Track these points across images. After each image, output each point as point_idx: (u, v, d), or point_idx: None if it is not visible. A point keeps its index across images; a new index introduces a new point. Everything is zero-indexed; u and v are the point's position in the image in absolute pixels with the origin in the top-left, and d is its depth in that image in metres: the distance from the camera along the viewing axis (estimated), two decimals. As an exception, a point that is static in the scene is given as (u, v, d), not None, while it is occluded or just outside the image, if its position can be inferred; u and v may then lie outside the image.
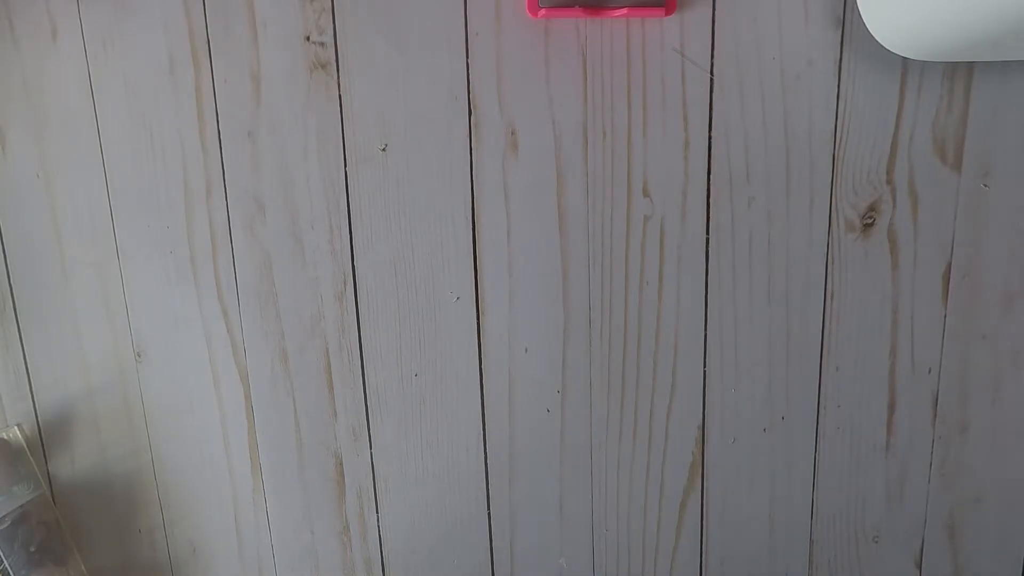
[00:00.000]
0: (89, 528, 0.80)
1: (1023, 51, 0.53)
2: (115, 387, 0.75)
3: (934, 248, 0.63)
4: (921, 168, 0.62)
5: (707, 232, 0.65)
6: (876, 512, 0.69)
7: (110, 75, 0.68)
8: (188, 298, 0.72)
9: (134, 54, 0.67)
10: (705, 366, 0.67)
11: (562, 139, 0.64)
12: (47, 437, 0.78)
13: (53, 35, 0.68)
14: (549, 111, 0.63)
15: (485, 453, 0.71)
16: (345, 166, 0.66)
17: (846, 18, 0.60)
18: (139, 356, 0.74)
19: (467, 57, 0.63)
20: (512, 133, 0.64)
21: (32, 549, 0.74)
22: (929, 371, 0.66)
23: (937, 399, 0.66)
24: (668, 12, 0.60)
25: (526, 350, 0.68)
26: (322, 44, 0.64)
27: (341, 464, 0.73)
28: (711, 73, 0.62)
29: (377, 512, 0.74)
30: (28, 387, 0.77)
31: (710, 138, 0.63)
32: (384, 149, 0.66)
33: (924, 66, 0.60)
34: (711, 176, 0.63)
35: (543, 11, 0.60)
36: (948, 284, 0.64)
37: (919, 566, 0.71)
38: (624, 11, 0.59)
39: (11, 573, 0.73)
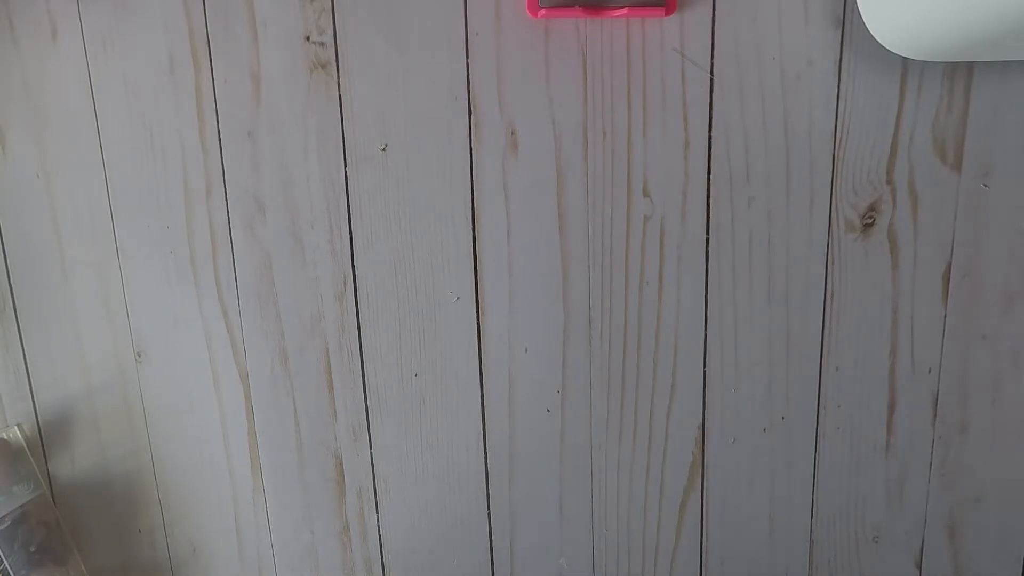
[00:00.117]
0: (89, 528, 0.80)
1: (1023, 51, 0.53)
2: (115, 387, 0.75)
3: (934, 248, 0.63)
4: (921, 168, 0.62)
5: (707, 232, 0.65)
6: (876, 512, 0.69)
7: (110, 75, 0.68)
8: (188, 298, 0.72)
9: (134, 54, 0.67)
10: (705, 366, 0.67)
11: (562, 139, 0.64)
12: (47, 437, 0.78)
13: (53, 35, 0.68)
14: (549, 111, 0.63)
15: (485, 453, 0.71)
16: (345, 166, 0.66)
17: (846, 18, 0.60)
18: (139, 356, 0.74)
19: (467, 57, 0.63)
20: (512, 133, 0.64)
21: (32, 549, 0.74)
22: (929, 371, 0.66)
23: (937, 399, 0.66)
24: (668, 12, 0.60)
25: (526, 350, 0.68)
26: (322, 44, 0.64)
27: (341, 464, 0.73)
28: (711, 73, 0.62)
29: (377, 512, 0.74)
30: (28, 387, 0.77)
31: (710, 138, 0.63)
32: (384, 149, 0.66)
33: (924, 66, 0.60)
34: (711, 176, 0.64)
35: (543, 11, 0.60)
36: (948, 284, 0.64)
37: (919, 566, 0.71)
38: (624, 11, 0.59)
39: (11, 573, 0.73)
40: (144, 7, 0.66)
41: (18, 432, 0.77)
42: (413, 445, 0.72)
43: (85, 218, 0.71)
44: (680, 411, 0.69)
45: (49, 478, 0.79)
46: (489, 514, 0.73)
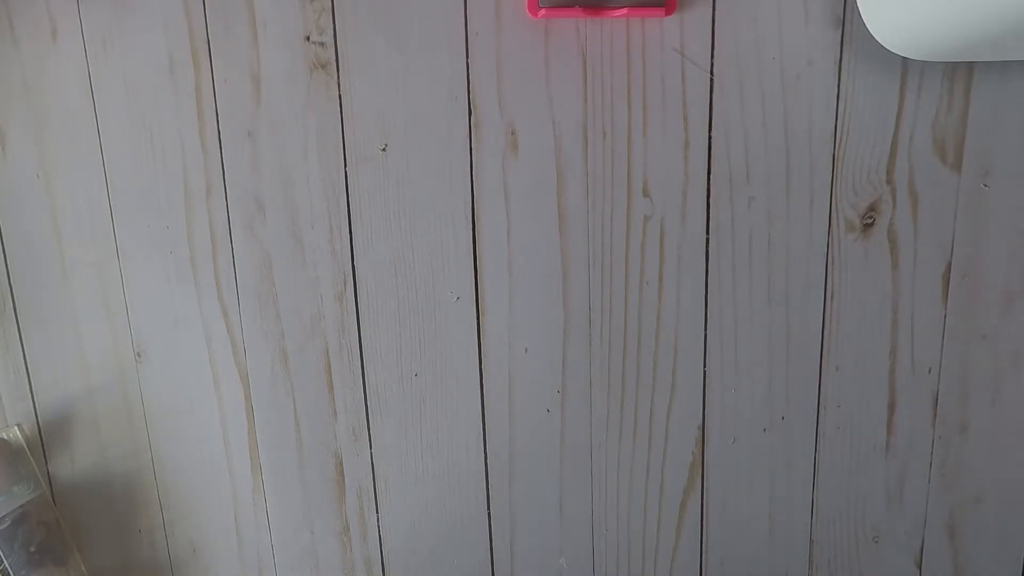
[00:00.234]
0: (89, 528, 0.80)
1: (1023, 51, 0.53)
2: (115, 387, 0.75)
3: (934, 248, 0.63)
4: (921, 168, 0.62)
5: (707, 232, 0.65)
6: (876, 512, 0.69)
7: (110, 75, 0.68)
8: (188, 298, 0.72)
9: (134, 54, 0.67)
10: (705, 366, 0.67)
11: (562, 139, 0.64)
12: (47, 437, 0.78)
13: (53, 35, 0.68)
14: (549, 111, 0.63)
15: (485, 453, 0.71)
16: (345, 166, 0.66)
17: (846, 18, 0.60)
18: (139, 356, 0.74)
19: (467, 57, 0.63)
20: (512, 133, 0.64)
21: (32, 549, 0.74)
22: (929, 371, 0.66)
23: (937, 399, 0.66)
24: (668, 12, 0.60)
25: (526, 350, 0.68)
26: (322, 44, 0.64)
27: (341, 464, 0.73)
28: (711, 73, 0.62)
29: (377, 512, 0.74)
30: (28, 387, 0.77)
31: (710, 138, 0.63)
32: (384, 149, 0.66)
33: (924, 66, 0.60)
34: (711, 176, 0.64)
35: (543, 11, 0.60)
36: (948, 284, 0.64)
37: (919, 566, 0.71)
38: (624, 11, 0.59)
39: (11, 573, 0.73)
40: (144, 7, 0.66)
41: (18, 432, 0.77)
42: (413, 445, 0.72)
43: (85, 218, 0.71)
44: (680, 411, 0.69)
45: (49, 478, 0.79)
46: (489, 514, 0.73)
